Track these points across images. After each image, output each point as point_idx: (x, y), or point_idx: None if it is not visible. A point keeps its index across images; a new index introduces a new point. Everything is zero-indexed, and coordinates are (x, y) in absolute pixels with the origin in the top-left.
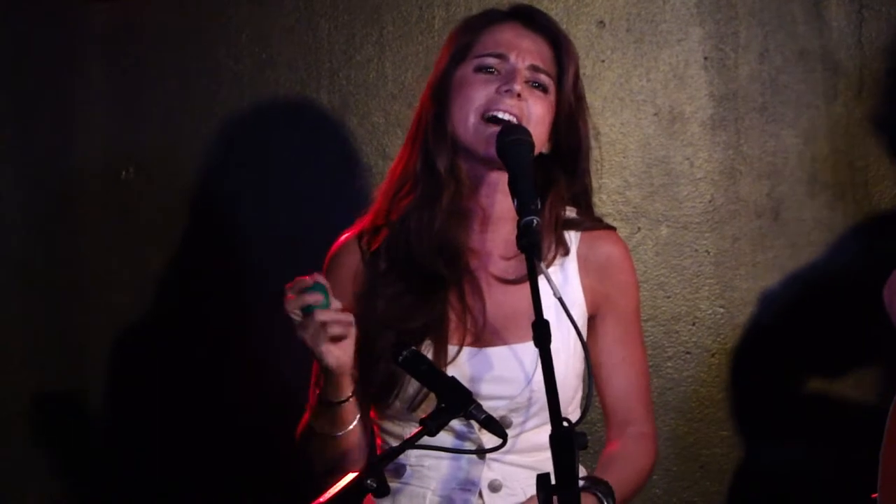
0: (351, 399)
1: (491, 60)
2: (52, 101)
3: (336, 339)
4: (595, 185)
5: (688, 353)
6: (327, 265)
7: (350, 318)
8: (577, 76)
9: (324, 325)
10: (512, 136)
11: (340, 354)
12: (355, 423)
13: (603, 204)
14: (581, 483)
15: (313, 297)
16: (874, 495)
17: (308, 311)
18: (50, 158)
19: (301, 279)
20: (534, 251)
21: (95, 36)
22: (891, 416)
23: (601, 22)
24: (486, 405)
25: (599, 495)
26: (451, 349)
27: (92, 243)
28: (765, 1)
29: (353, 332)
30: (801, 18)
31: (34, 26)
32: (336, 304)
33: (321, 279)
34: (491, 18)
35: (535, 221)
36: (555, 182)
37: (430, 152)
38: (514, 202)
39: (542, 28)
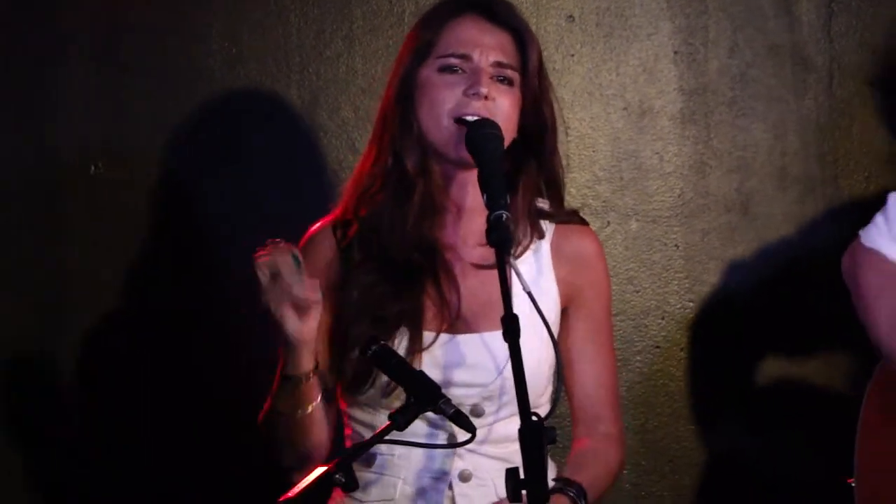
0: (312, 377)
1: (454, 61)
2: (24, 95)
3: (300, 310)
4: (566, 179)
5: (657, 347)
6: (302, 247)
7: (317, 286)
8: (540, 63)
9: (289, 288)
10: (482, 131)
11: (302, 324)
12: (317, 402)
13: (572, 198)
14: (554, 484)
15: (283, 258)
16: (850, 480)
17: (276, 272)
18: (22, 152)
19: (276, 243)
20: (503, 246)
21: (69, 32)
22: (865, 405)
23: (570, 16)
24: (460, 393)
25: (573, 496)
26: (427, 336)
27: (62, 236)
28: None
29: (318, 306)
30: (771, 13)
31: (10, 22)
32: (305, 274)
33: (296, 251)
34: (450, 12)
35: (504, 216)
36: (525, 168)
37: (399, 152)
38: (483, 197)
39: (502, 20)
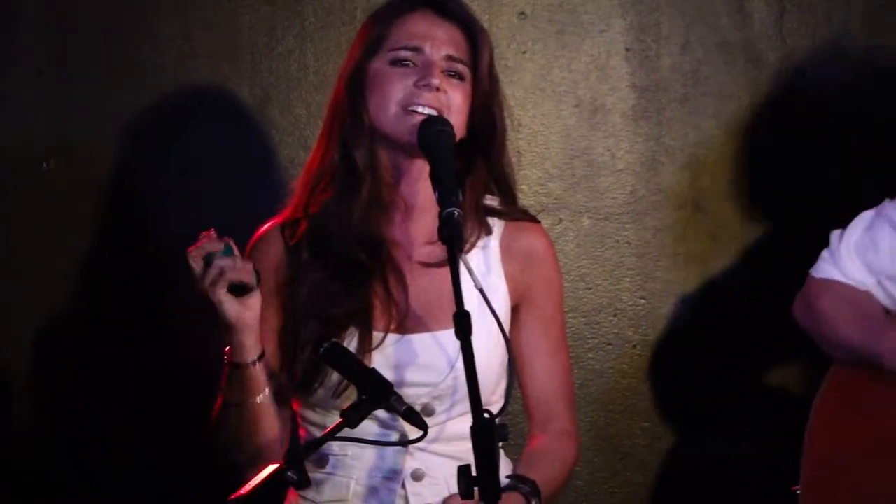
0: (258, 365)
1: (406, 53)
2: None
3: (237, 293)
4: (516, 176)
5: (609, 344)
6: (249, 252)
7: (251, 269)
8: (491, 61)
9: (222, 271)
10: (434, 128)
11: (241, 308)
12: (265, 394)
13: (524, 195)
14: (507, 482)
15: (214, 246)
16: (795, 488)
17: (209, 259)
18: None
19: (207, 236)
20: (455, 242)
21: (21, 28)
22: (814, 410)
23: (522, 13)
24: (410, 392)
25: (526, 493)
26: (376, 336)
27: (14, 231)
28: None
29: (257, 291)
30: (723, 10)
31: None
32: (240, 259)
33: (230, 242)
34: (403, 7)
35: (456, 212)
36: (474, 166)
37: (348, 145)
38: (435, 193)
39: (454, 15)
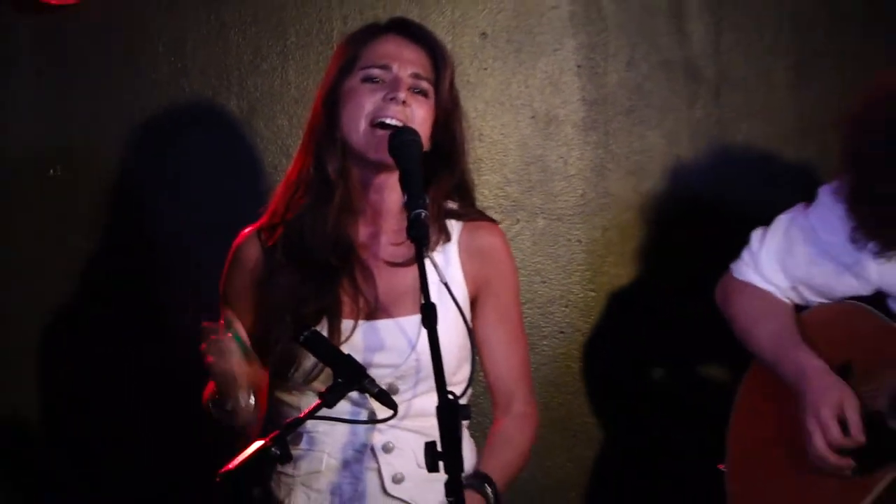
0: (242, 401)
1: (376, 71)
2: None
3: (238, 374)
4: (478, 181)
5: (562, 332)
6: (231, 256)
7: (252, 368)
8: (452, 80)
9: (230, 363)
10: (403, 137)
11: (237, 381)
12: (248, 410)
13: (485, 198)
14: (466, 481)
15: (228, 347)
16: (721, 466)
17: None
18: None
19: (212, 327)
20: (422, 241)
21: (26, 45)
22: (739, 395)
23: (483, 34)
24: (376, 373)
25: (480, 488)
26: (346, 325)
27: (23, 233)
28: (631, 14)
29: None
30: (664, 30)
31: None
32: (243, 336)
33: (234, 324)
34: (373, 31)
35: (423, 214)
36: (436, 177)
37: (322, 158)
38: (404, 197)
39: (419, 39)
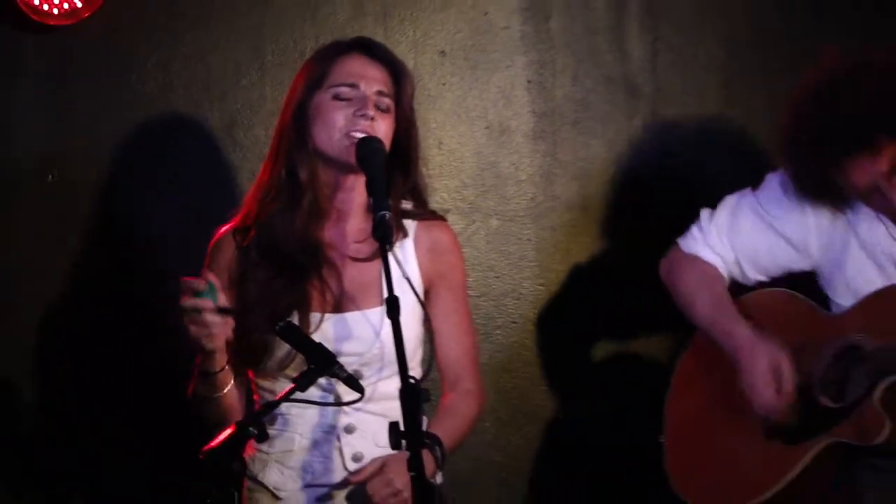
0: (225, 369)
1: (345, 90)
2: None
3: (213, 335)
4: (437, 185)
5: (514, 322)
6: (209, 254)
7: (228, 322)
8: (411, 96)
9: (206, 324)
10: (370, 146)
11: (217, 341)
12: (229, 387)
13: (444, 201)
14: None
15: (204, 303)
16: (659, 438)
17: (197, 311)
18: None
19: (192, 281)
20: (387, 239)
21: (28, 61)
22: (675, 373)
23: (442, 52)
24: (342, 361)
25: (429, 446)
26: (315, 317)
27: (23, 234)
28: (576, 34)
29: (227, 329)
30: (606, 49)
31: None
32: (222, 298)
33: (212, 279)
34: (339, 50)
35: (387, 215)
36: (393, 180)
37: (294, 164)
38: (370, 199)
39: (382, 58)
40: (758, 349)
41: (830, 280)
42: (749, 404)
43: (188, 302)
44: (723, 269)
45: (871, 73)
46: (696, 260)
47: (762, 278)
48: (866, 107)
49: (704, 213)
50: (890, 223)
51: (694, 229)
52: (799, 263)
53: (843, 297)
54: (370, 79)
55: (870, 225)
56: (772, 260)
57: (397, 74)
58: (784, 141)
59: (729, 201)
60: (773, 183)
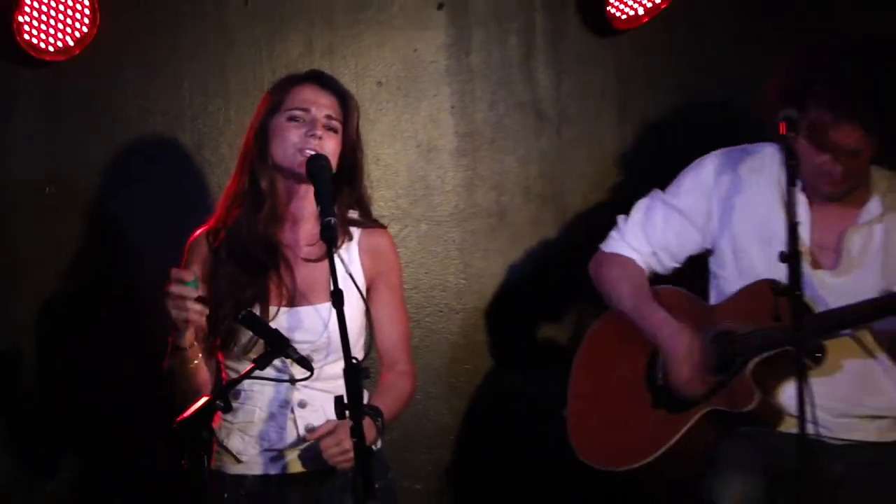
0: (194, 345)
1: (298, 112)
2: None
3: (190, 320)
4: (375, 195)
5: (440, 311)
6: (186, 252)
7: (205, 311)
8: (357, 120)
9: (186, 309)
10: (319, 162)
11: (192, 323)
12: (197, 362)
13: (381, 209)
14: (364, 407)
15: (189, 291)
16: (564, 412)
17: (182, 297)
18: None
19: (181, 272)
20: (332, 242)
21: (27, 90)
22: (578, 353)
23: (379, 82)
24: (298, 346)
25: (373, 416)
26: (272, 309)
27: (24, 240)
28: (493, 67)
29: (203, 317)
30: (518, 79)
31: None
32: (202, 289)
33: (197, 274)
34: (294, 81)
35: (332, 220)
36: (340, 192)
37: (256, 175)
38: (318, 207)
39: (331, 87)
40: (677, 332)
41: (721, 255)
42: (642, 375)
43: (175, 289)
44: (641, 263)
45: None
46: (617, 257)
47: (675, 265)
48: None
49: (620, 217)
50: (804, 211)
51: (613, 232)
52: (702, 244)
53: (729, 273)
54: (321, 104)
55: (768, 209)
56: (681, 246)
57: (345, 102)
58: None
59: (641, 203)
60: (686, 175)
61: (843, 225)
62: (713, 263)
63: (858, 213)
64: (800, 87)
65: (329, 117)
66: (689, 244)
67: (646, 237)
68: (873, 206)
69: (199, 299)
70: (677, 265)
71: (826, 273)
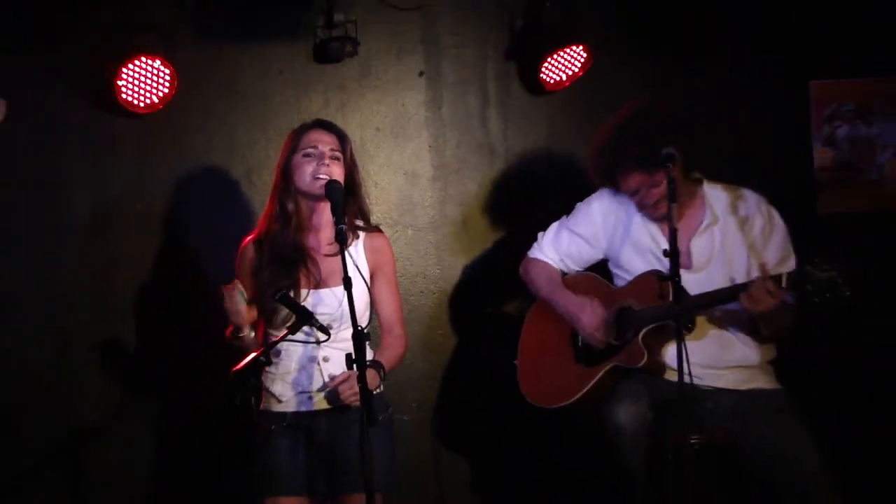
0: (246, 331)
1: (310, 150)
2: (95, 166)
3: (243, 319)
4: (374, 210)
5: (422, 292)
6: (240, 254)
7: (252, 314)
8: (352, 152)
9: (238, 313)
10: (333, 185)
11: (243, 319)
12: (250, 338)
13: (379, 220)
14: (368, 362)
15: (239, 303)
16: (516, 361)
17: (235, 308)
18: (97, 195)
19: (229, 288)
20: (343, 242)
21: (124, 134)
22: (526, 318)
23: (377, 128)
24: (320, 317)
25: (377, 367)
26: (303, 292)
27: (121, 242)
28: (458, 118)
29: (251, 315)
30: (476, 126)
31: (71, 126)
32: (245, 295)
33: (241, 287)
34: (304, 128)
35: (343, 227)
36: (347, 205)
37: (284, 201)
38: (333, 218)
39: (331, 129)
40: (578, 305)
41: (616, 261)
42: (567, 341)
43: (228, 304)
44: (554, 265)
45: (642, 118)
46: (537, 261)
47: (578, 269)
48: (628, 141)
49: (540, 234)
50: (655, 229)
51: (535, 245)
52: (596, 256)
53: (623, 272)
54: (325, 142)
55: (638, 230)
56: (580, 256)
57: (342, 138)
58: (594, 153)
59: (553, 226)
60: (579, 208)
61: (689, 234)
62: (610, 265)
63: (698, 224)
64: (600, 160)
65: (332, 150)
66: (586, 256)
67: (555, 250)
68: (707, 216)
69: (246, 302)
70: (580, 269)
71: (684, 271)
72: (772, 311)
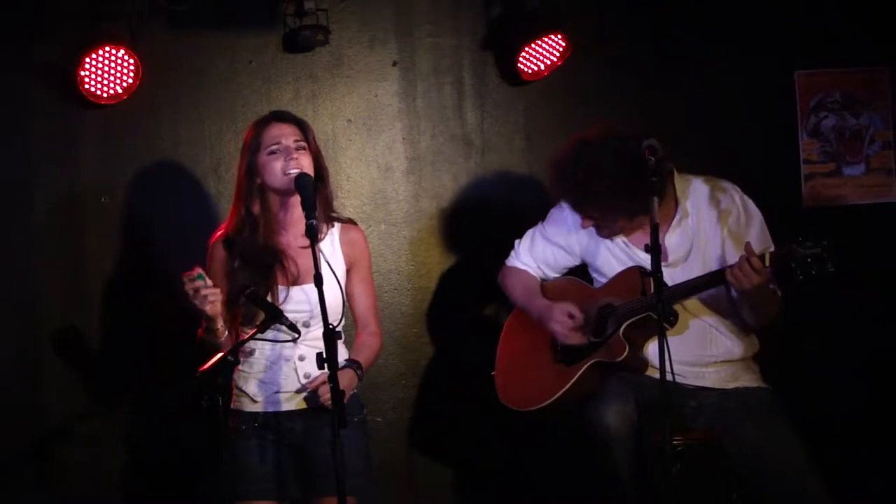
0: (221, 328)
1: (274, 146)
2: (58, 158)
3: (210, 302)
4: (347, 204)
5: (396, 289)
6: (209, 253)
7: (217, 291)
8: (314, 139)
9: (204, 297)
10: (303, 179)
11: (213, 309)
12: (224, 337)
13: (353, 213)
14: (343, 362)
15: (199, 284)
16: (493, 373)
17: (195, 290)
18: (61, 188)
19: (189, 273)
20: (314, 238)
21: (88, 126)
22: (505, 326)
23: (349, 120)
24: (294, 316)
25: (354, 367)
26: (280, 289)
27: (88, 234)
28: (432, 109)
29: (219, 297)
30: (452, 117)
31: (36, 117)
32: (209, 281)
33: (201, 270)
34: (265, 122)
35: (314, 222)
36: (318, 193)
37: (249, 202)
38: (304, 212)
39: (290, 120)
40: (552, 307)
41: (593, 265)
42: (547, 345)
43: (188, 286)
44: (532, 272)
45: (589, 147)
46: (514, 269)
47: (556, 275)
48: (580, 174)
49: (517, 241)
50: (622, 238)
51: (512, 253)
52: (572, 262)
53: (601, 275)
54: (287, 135)
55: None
56: (556, 262)
57: (302, 127)
58: (550, 179)
59: (529, 232)
60: (552, 214)
61: (663, 230)
62: (589, 268)
63: (670, 220)
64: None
65: (296, 140)
66: (563, 262)
67: (531, 257)
68: (679, 211)
69: (208, 286)
70: (557, 275)
71: (663, 265)
72: (757, 290)
